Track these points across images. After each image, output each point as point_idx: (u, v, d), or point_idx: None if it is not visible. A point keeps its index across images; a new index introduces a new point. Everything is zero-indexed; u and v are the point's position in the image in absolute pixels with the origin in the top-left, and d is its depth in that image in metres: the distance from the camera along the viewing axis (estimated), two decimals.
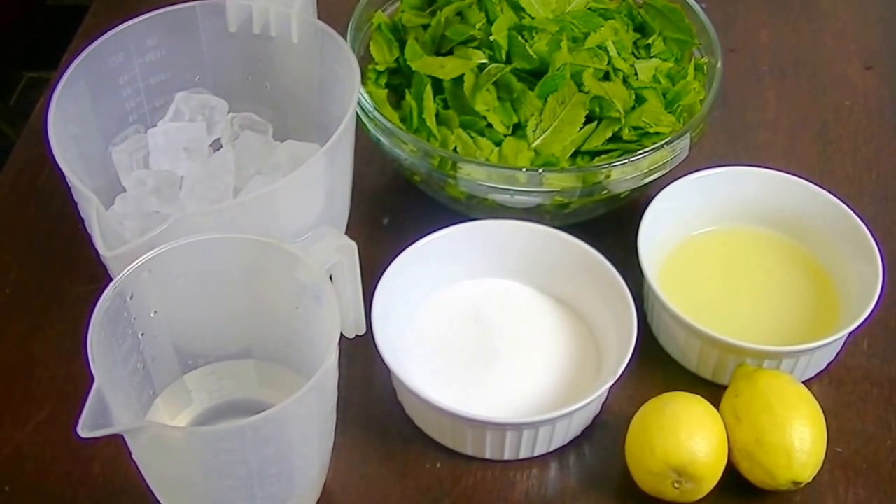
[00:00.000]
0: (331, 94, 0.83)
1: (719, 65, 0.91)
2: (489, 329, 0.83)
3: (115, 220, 0.82)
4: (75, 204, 0.77)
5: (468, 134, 0.87)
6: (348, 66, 0.81)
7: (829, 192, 0.88)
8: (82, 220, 0.77)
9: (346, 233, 0.84)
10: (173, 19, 0.85)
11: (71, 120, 0.80)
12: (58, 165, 0.74)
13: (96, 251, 0.72)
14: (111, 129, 0.85)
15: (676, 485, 0.74)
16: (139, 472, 0.70)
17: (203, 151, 0.86)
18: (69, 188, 0.76)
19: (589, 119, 0.87)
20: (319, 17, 0.86)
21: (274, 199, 0.76)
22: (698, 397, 0.77)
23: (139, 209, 0.83)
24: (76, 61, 0.81)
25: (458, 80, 0.88)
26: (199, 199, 0.83)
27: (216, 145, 0.87)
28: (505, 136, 0.87)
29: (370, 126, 0.87)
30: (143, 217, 0.82)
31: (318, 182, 0.79)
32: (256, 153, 0.86)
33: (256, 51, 0.87)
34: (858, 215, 0.86)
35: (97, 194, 0.82)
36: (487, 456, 0.79)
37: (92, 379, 0.63)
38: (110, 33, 0.82)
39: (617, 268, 0.82)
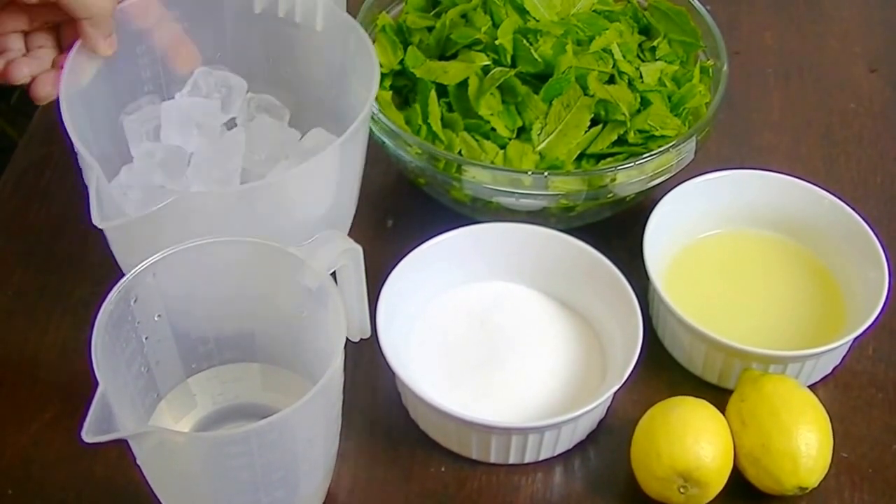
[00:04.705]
0: (349, 86, 0.83)
1: (725, 67, 0.91)
2: (494, 332, 0.83)
3: (118, 191, 0.81)
4: (83, 180, 0.76)
5: (473, 137, 0.87)
6: (369, 60, 0.80)
7: (834, 195, 0.88)
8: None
9: (349, 234, 0.84)
10: None
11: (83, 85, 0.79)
12: (67, 133, 0.73)
13: (102, 249, 0.72)
14: (125, 98, 0.84)
15: (682, 490, 0.74)
16: (143, 476, 0.70)
17: (215, 129, 0.85)
18: (76, 157, 0.74)
19: (594, 122, 0.87)
20: None
21: (281, 190, 0.75)
22: (704, 402, 0.77)
23: (144, 182, 0.81)
24: None
25: (463, 84, 0.88)
26: (205, 178, 0.82)
27: (231, 124, 0.87)
28: (509, 139, 0.87)
29: (375, 128, 0.87)
30: (148, 190, 0.81)
31: (329, 175, 0.78)
32: (269, 138, 0.85)
33: (280, 35, 0.86)
34: (864, 218, 0.86)
35: (105, 162, 0.81)
36: (492, 460, 0.79)
37: (96, 382, 0.62)
38: (129, 1, 0.81)
39: (622, 271, 0.82)
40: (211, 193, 0.79)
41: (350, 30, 0.83)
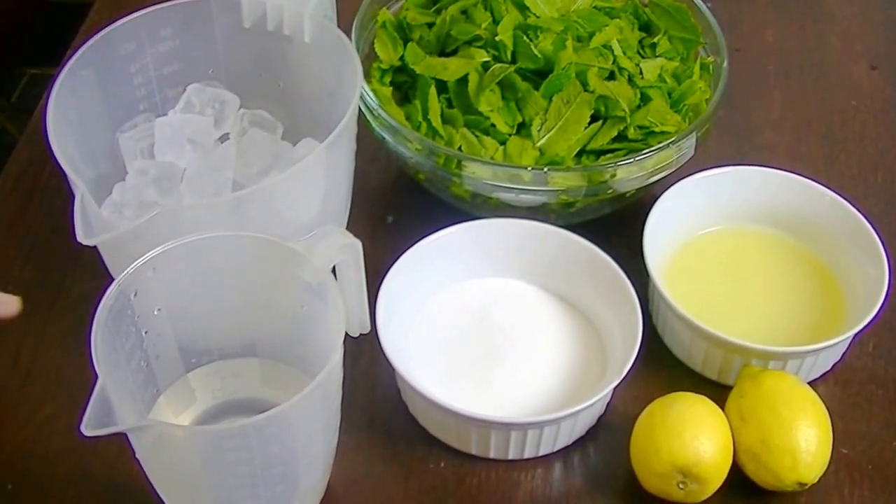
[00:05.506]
0: (339, 97, 0.83)
1: (725, 64, 0.91)
2: (493, 328, 0.83)
3: (109, 207, 0.82)
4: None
5: (473, 133, 0.87)
6: (353, 72, 0.81)
7: (835, 192, 0.88)
8: None
9: (349, 230, 0.84)
10: (188, 12, 0.84)
11: (75, 104, 0.79)
12: (52, 150, 0.74)
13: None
14: (120, 116, 0.85)
15: (681, 485, 0.74)
16: (142, 470, 0.70)
17: (208, 145, 0.85)
18: (66, 176, 0.75)
19: (594, 118, 0.87)
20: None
21: (268, 196, 0.76)
22: (703, 398, 0.77)
23: (138, 199, 0.82)
24: (84, 46, 0.80)
25: (463, 80, 0.88)
26: (198, 192, 0.83)
27: (224, 139, 0.87)
28: (509, 135, 0.87)
29: (374, 124, 0.87)
30: (142, 207, 0.81)
31: (316, 180, 0.79)
32: (261, 151, 0.85)
33: (271, 48, 0.86)
34: (864, 215, 0.86)
35: (103, 181, 0.82)
36: (492, 456, 0.79)
37: (95, 377, 0.62)
38: (122, 21, 0.82)
39: (622, 267, 0.82)
40: (197, 204, 0.79)
41: (337, 42, 0.83)
